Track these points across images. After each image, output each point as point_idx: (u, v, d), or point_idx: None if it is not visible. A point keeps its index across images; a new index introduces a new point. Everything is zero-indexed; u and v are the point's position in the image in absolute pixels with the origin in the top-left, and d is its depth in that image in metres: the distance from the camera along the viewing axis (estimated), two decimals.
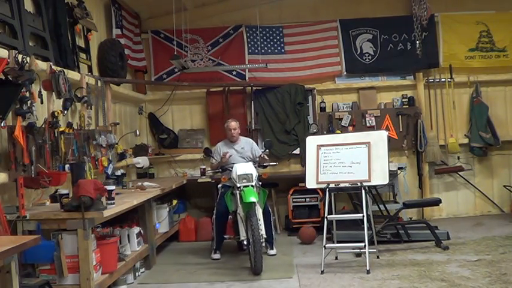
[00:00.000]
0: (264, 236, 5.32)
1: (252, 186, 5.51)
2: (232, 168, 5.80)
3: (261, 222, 5.37)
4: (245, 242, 5.41)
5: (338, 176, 5.57)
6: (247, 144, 6.35)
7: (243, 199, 5.37)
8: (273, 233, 6.18)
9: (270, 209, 6.11)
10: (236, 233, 5.79)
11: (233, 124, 6.31)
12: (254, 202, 5.33)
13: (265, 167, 6.21)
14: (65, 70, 4.83)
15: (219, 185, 6.29)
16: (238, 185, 5.52)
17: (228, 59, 7.96)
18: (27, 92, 4.09)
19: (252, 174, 5.59)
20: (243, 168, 5.69)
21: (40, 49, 4.83)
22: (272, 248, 6.05)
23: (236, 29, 8.02)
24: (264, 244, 5.34)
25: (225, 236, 6.05)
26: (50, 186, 4.42)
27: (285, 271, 5.33)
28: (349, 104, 8.01)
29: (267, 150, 6.52)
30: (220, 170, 6.10)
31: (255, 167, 5.89)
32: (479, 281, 4.58)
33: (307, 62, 8.02)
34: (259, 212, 5.43)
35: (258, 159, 6.21)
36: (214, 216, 6.13)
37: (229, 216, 6.09)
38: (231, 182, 5.80)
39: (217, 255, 6.04)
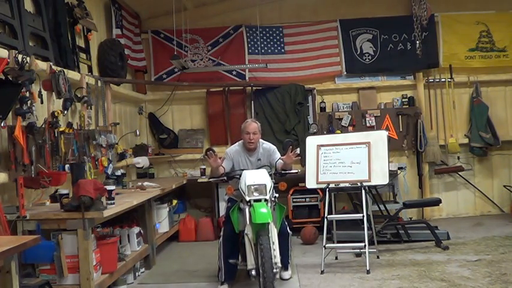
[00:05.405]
0: (279, 265, 4.19)
1: (266, 200, 4.35)
2: (240, 176, 4.68)
3: (276, 246, 4.22)
4: (253, 273, 4.23)
5: (338, 176, 5.57)
6: (264, 155, 5.06)
7: (252, 217, 4.24)
8: (291, 254, 5.08)
9: (288, 229, 4.93)
10: (244, 258, 4.53)
11: (252, 126, 4.96)
12: (267, 223, 4.20)
13: (283, 175, 4.99)
14: (65, 70, 4.83)
15: (225, 196, 5.18)
16: (248, 199, 4.37)
17: (228, 59, 7.96)
18: (27, 92, 4.09)
19: (265, 185, 4.40)
20: (254, 176, 4.51)
21: (40, 49, 4.83)
22: (287, 269, 5.00)
23: (236, 29, 8.02)
24: (277, 274, 4.18)
25: (231, 261, 4.69)
26: (50, 186, 4.42)
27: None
28: (349, 104, 8.01)
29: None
30: (224, 177, 4.92)
31: (270, 174, 4.72)
32: (479, 281, 4.59)
33: (307, 62, 8.02)
34: (273, 233, 4.27)
35: (275, 166, 5.01)
36: (221, 239, 4.83)
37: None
38: (238, 193, 4.61)
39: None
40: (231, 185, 4.88)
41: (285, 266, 4.90)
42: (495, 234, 6.49)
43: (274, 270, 4.06)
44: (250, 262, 4.27)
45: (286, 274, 5.01)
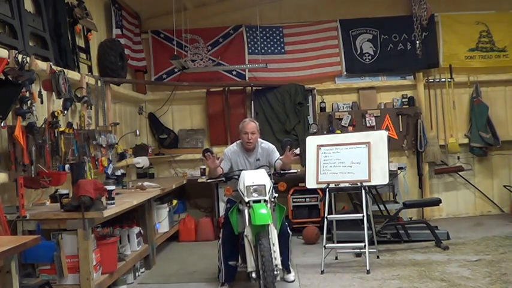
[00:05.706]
0: (280, 267, 4.15)
1: (265, 201, 4.29)
2: (238, 176, 4.61)
3: (276, 248, 4.18)
4: (253, 275, 4.18)
5: (338, 176, 5.57)
6: (263, 155, 4.98)
7: (251, 219, 4.19)
8: (290, 256, 5.04)
9: (288, 229, 4.88)
10: (244, 260, 4.50)
11: (251, 126, 4.88)
12: (267, 224, 4.15)
13: (282, 175, 4.89)
14: (65, 70, 4.83)
15: (224, 197, 5.16)
16: (247, 200, 4.31)
17: (228, 59, 7.96)
18: (27, 92, 4.09)
19: (264, 186, 4.35)
20: (253, 177, 4.44)
21: (40, 49, 4.83)
22: (289, 272, 4.95)
23: (236, 29, 8.02)
24: (277, 276, 4.11)
25: (230, 263, 4.68)
26: (50, 186, 4.43)
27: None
28: (349, 104, 8.01)
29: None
30: (223, 178, 4.82)
31: (269, 174, 4.66)
32: (479, 281, 4.59)
33: (307, 62, 8.02)
34: (273, 234, 4.22)
35: (274, 166, 4.94)
36: (220, 240, 4.83)
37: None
38: (237, 194, 4.56)
39: None
40: (229, 186, 4.79)
41: (286, 267, 4.85)
42: (495, 234, 6.49)
43: (275, 273, 4.01)
44: (250, 264, 4.21)
45: (291, 276, 4.94)
